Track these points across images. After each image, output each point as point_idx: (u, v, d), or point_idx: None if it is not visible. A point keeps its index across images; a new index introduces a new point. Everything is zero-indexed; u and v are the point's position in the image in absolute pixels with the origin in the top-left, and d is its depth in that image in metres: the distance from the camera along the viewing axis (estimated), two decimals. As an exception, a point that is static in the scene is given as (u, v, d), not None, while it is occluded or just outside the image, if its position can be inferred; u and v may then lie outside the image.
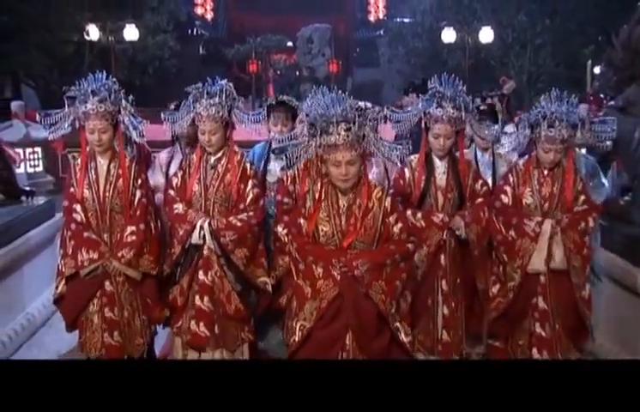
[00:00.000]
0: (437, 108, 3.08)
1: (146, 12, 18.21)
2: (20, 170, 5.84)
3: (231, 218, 3.12)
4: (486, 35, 16.95)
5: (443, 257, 3.17)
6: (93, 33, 16.38)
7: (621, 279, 3.65)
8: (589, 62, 11.31)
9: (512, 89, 7.65)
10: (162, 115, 3.22)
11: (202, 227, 3.08)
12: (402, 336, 2.64)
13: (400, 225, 2.67)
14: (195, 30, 24.64)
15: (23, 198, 4.50)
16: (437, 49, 18.95)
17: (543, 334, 3.05)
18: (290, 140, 2.81)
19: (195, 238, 3.10)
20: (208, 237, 3.10)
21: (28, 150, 6.23)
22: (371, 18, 28.03)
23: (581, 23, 15.86)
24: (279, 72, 23.44)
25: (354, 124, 2.51)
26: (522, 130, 3.11)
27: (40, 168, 6.39)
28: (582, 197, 3.10)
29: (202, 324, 3.13)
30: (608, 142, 3.11)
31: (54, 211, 4.71)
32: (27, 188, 4.71)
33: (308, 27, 23.70)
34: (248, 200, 3.16)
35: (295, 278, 2.70)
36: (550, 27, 16.49)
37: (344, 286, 2.55)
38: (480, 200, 3.24)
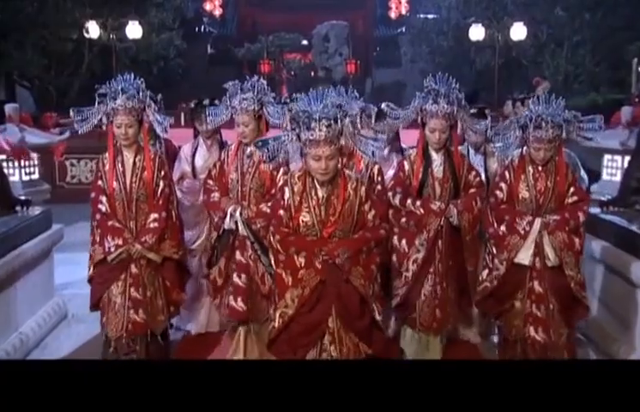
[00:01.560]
0: (432, 104, 3.63)
1: (150, 8, 18.30)
2: (14, 178, 5.87)
3: (262, 205, 3.68)
4: (518, 32, 16.85)
5: (440, 242, 3.78)
6: (94, 30, 16.49)
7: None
8: (635, 60, 11.17)
9: (547, 91, 7.56)
10: (207, 110, 3.90)
11: (232, 214, 3.68)
12: (376, 315, 3.05)
13: (373, 211, 3.05)
14: (202, 28, 24.86)
15: (18, 208, 4.51)
16: (464, 48, 18.91)
17: (539, 314, 3.54)
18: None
19: (227, 224, 3.71)
20: (240, 225, 3.69)
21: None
22: (392, 14, 28.06)
23: (626, 17, 15.61)
24: (293, 73, 23.57)
25: (335, 120, 2.86)
26: (513, 132, 3.56)
27: (36, 176, 6.41)
28: (572, 189, 3.58)
29: (239, 299, 3.73)
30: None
31: (51, 222, 4.72)
32: (22, 197, 4.73)
33: (324, 25, 23.81)
34: (279, 185, 3.54)
35: (275, 268, 3.06)
36: (590, 23, 16.26)
37: (325, 273, 2.93)
38: (472, 190, 3.83)
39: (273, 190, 3.62)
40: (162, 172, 3.65)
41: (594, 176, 7.00)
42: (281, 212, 3.01)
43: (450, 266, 3.82)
